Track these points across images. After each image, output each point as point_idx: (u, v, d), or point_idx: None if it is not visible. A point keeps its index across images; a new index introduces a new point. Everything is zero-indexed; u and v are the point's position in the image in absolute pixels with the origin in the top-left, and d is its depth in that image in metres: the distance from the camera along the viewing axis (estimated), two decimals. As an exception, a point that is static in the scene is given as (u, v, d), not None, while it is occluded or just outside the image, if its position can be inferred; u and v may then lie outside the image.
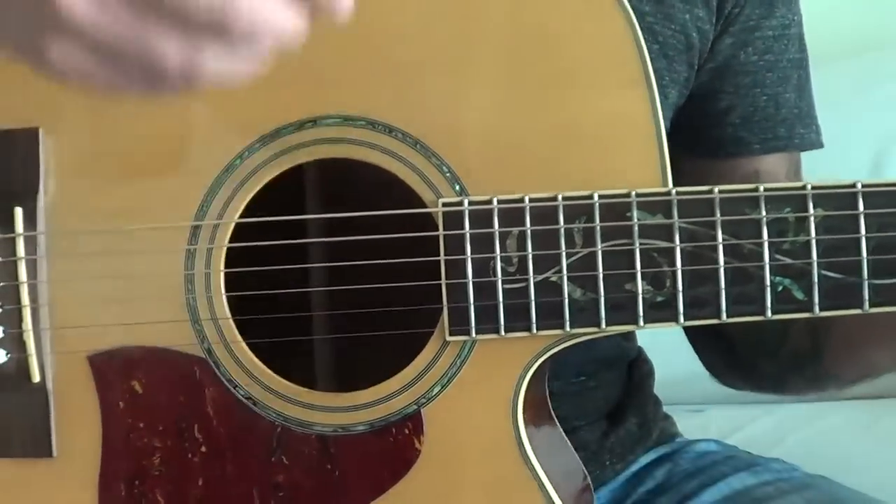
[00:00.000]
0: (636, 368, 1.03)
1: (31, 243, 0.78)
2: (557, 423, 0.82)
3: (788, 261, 0.71)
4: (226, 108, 0.77)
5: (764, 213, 0.71)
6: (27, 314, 0.78)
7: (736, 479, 0.96)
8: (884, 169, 0.98)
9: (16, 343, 0.78)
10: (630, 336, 1.05)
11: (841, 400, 1.51)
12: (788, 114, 0.95)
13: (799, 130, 0.95)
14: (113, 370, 0.78)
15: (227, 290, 0.77)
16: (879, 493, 0.93)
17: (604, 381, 0.98)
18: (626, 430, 0.97)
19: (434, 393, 0.75)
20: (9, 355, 0.78)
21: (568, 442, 0.83)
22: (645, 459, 1.00)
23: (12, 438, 0.78)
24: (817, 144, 0.97)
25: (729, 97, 0.94)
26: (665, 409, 1.07)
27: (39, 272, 0.78)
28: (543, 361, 0.74)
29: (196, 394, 0.77)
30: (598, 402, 0.90)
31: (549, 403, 0.81)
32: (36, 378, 0.78)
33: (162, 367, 0.77)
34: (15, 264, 0.78)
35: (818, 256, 0.71)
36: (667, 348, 1.08)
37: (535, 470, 0.74)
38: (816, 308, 0.71)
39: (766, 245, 0.71)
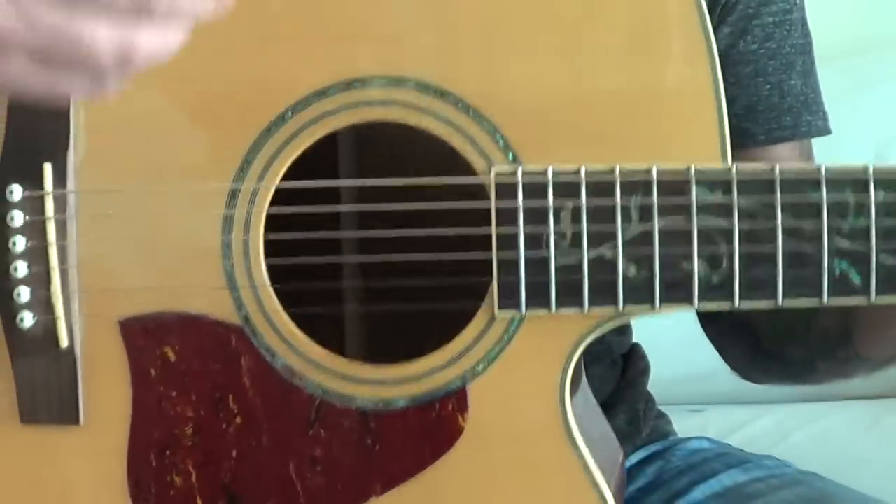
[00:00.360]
0: (631, 365, 1.02)
1: (60, 202, 0.75)
2: (594, 398, 0.81)
3: (847, 244, 0.70)
4: (271, 65, 0.74)
5: (825, 194, 0.70)
6: (55, 276, 0.75)
7: (727, 475, 0.95)
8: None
9: (43, 306, 0.75)
10: (623, 330, 1.04)
11: (841, 400, 1.52)
12: (794, 102, 0.93)
13: (806, 118, 0.93)
14: (144, 336, 0.75)
15: (266, 256, 0.75)
16: (879, 493, 0.93)
17: (588, 375, 0.97)
18: (614, 426, 0.96)
19: (480, 369, 0.73)
20: (36, 318, 0.75)
21: (604, 418, 0.82)
22: (636, 457, 0.99)
23: (39, 404, 0.76)
24: (825, 131, 0.96)
25: (730, 88, 0.91)
26: (664, 409, 1.06)
27: (69, 232, 0.75)
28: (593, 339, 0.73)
29: (232, 363, 0.75)
30: None
31: (585, 377, 0.80)
32: (64, 343, 0.75)
33: (196, 334, 0.75)
34: (44, 223, 0.75)
35: (877, 240, 0.70)
36: (666, 348, 1.08)
37: (580, 451, 0.72)
38: (873, 294, 0.70)
39: (825, 228, 0.70)
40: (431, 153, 0.74)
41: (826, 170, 0.70)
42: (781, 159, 0.91)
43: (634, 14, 0.71)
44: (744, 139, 0.92)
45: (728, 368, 0.97)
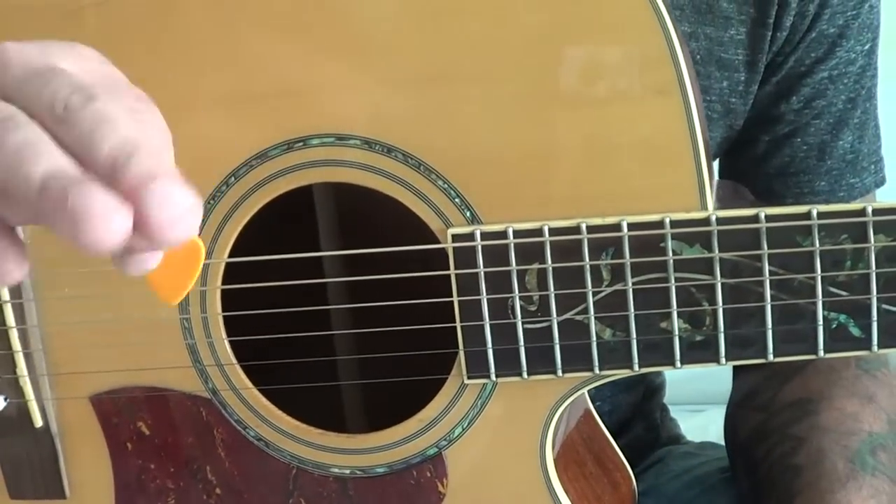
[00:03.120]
0: (649, 381, 0.97)
1: (14, 286, 0.73)
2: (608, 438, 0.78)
3: (844, 294, 0.63)
4: (210, 129, 0.68)
5: (817, 242, 0.62)
6: (20, 359, 0.73)
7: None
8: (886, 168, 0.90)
9: (13, 388, 0.74)
10: None
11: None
12: (837, 163, 0.83)
13: (848, 180, 0.83)
14: (116, 411, 0.74)
15: (228, 328, 0.71)
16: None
17: (618, 402, 0.92)
18: (634, 435, 0.92)
19: (455, 434, 0.70)
20: (7, 400, 0.74)
21: (615, 448, 0.78)
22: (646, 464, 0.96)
23: (23, 481, 0.76)
24: (871, 188, 0.85)
25: (765, 145, 0.82)
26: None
27: (28, 316, 0.73)
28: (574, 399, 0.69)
29: (205, 435, 0.73)
30: (603, 417, 0.85)
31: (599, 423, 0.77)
32: (38, 422, 0.74)
33: (167, 408, 0.73)
34: (1, 307, 0.73)
35: (878, 290, 0.63)
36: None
37: (565, 512, 0.69)
38: (875, 346, 0.63)
39: (819, 279, 0.63)
40: (397, 211, 0.68)
41: (818, 214, 0.62)
42: None
43: (596, 59, 0.63)
44: (771, 200, 0.83)
45: (728, 368, 0.91)
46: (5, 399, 0.74)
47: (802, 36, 0.80)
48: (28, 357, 0.73)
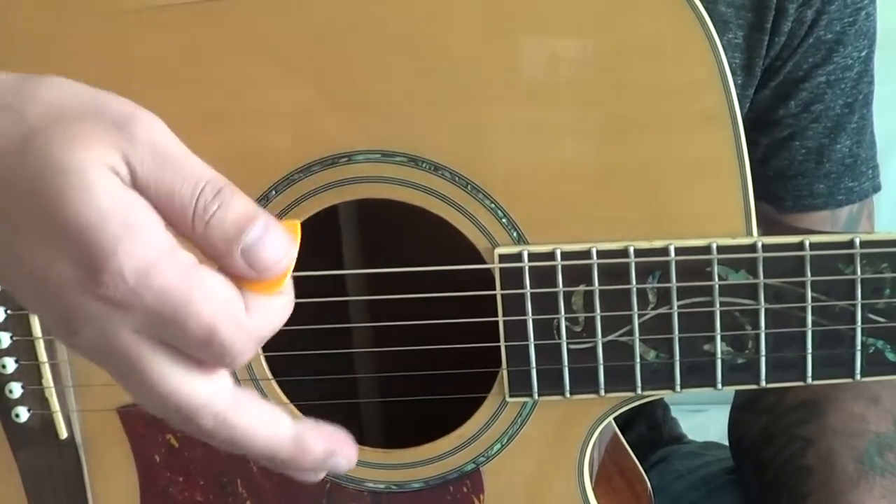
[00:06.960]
0: None
1: (41, 295, 0.71)
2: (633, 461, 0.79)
3: (882, 321, 0.65)
4: (251, 142, 0.67)
5: (859, 270, 0.64)
6: (46, 370, 0.72)
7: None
8: (884, 170, 0.91)
9: (38, 400, 0.72)
10: None
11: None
12: (835, 167, 0.84)
13: (847, 184, 0.84)
14: (145, 424, 0.73)
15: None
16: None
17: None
18: (637, 434, 0.94)
19: (494, 451, 0.70)
20: (31, 412, 0.73)
21: (631, 455, 0.79)
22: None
23: (46, 494, 0.74)
24: (869, 193, 0.87)
25: (764, 148, 0.84)
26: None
27: (54, 327, 0.71)
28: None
29: (237, 449, 0.72)
30: None
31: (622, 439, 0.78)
32: (63, 434, 0.73)
33: (198, 421, 0.72)
34: (27, 317, 0.71)
35: (916, 317, 0.65)
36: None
37: (601, 529, 0.71)
38: (910, 371, 0.66)
39: (859, 305, 0.65)
40: (440, 230, 0.68)
41: (861, 243, 0.64)
42: (812, 226, 0.84)
43: (648, 84, 0.63)
44: (771, 202, 0.84)
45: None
46: (28, 410, 0.73)
47: (800, 41, 0.82)
48: (54, 368, 0.72)
